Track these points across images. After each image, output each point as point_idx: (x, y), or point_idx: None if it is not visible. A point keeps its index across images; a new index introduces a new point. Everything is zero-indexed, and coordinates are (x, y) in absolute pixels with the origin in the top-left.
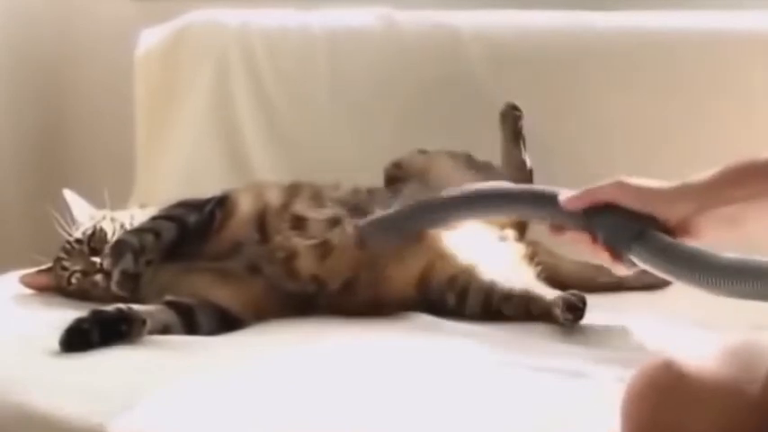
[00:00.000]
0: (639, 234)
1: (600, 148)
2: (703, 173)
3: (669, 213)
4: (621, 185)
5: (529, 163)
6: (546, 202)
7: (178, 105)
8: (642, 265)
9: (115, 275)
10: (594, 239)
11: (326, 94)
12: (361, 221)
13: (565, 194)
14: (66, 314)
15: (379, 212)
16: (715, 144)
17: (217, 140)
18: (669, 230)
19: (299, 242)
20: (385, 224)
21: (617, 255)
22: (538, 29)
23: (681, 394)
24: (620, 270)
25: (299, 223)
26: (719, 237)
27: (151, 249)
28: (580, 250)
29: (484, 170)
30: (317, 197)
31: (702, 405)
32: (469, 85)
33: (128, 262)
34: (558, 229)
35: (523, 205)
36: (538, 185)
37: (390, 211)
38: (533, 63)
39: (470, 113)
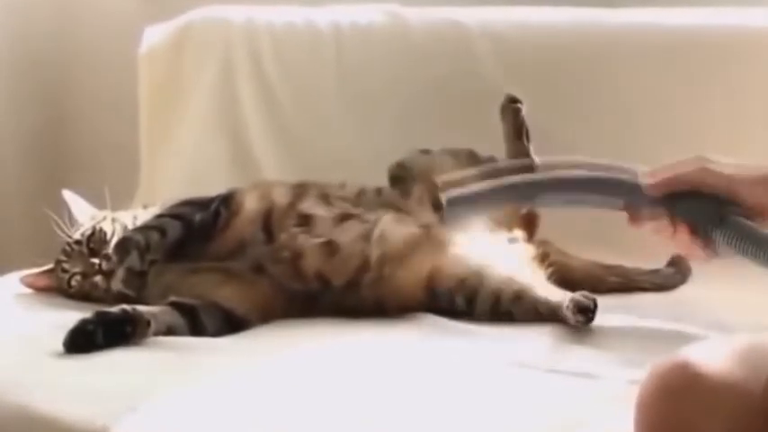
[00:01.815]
0: (724, 218)
1: (608, 144)
2: None
3: (751, 197)
4: (705, 170)
5: (535, 158)
6: (628, 189)
7: (183, 103)
8: (726, 250)
9: (120, 273)
10: (676, 226)
11: (333, 91)
12: (448, 195)
13: (644, 178)
14: (69, 315)
15: (466, 187)
16: (722, 141)
17: (222, 138)
18: (748, 214)
19: (305, 241)
20: (473, 200)
21: (700, 240)
22: (545, 25)
23: (693, 396)
24: (699, 257)
25: (304, 222)
26: None
27: (156, 247)
28: (660, 240)
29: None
30: (323, 196)
31: (715, 406)
32: (477, 81)
33: (133, 260)
34: (637, 219)
35: (606, 194)
36: (616, 168)
37: (479, 187)
38: (541, 59)
39: (478, 110)
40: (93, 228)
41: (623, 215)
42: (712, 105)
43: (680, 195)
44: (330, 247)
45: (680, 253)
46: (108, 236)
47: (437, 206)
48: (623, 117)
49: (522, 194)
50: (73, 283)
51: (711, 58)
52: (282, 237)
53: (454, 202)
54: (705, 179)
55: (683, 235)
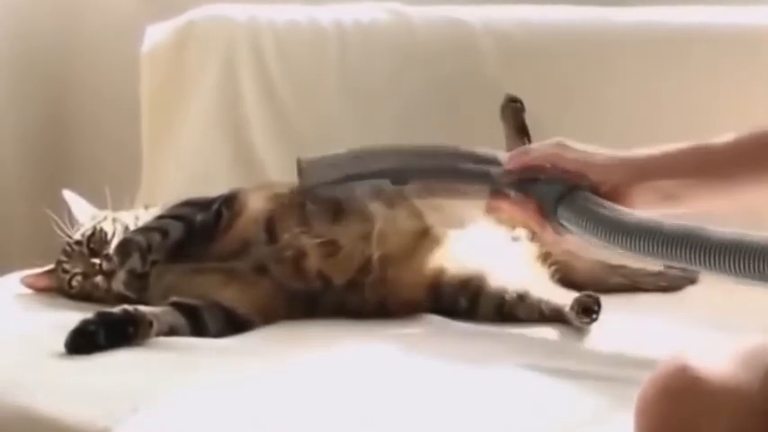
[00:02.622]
0: (567, 192)
1: (612, 143)
2: (650, 148)
3: (603, 178)
4: (559, 146)
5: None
6: (488, 163)
7: (185, 103)
8: (567, 225)
9: (122, 275)
10: (528, 204)
11: (336, 90)
12: (305, 157)
13: (503, 162)
14: (70, 315)
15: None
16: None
17: (224, 137)
18: (601, 194)
19: (308, 241)
20: (327, 163)
21: (547, 218)
22: (549, 24)
23: (694, 397)
24: (549, 236)
25: (307, 222)
26: (653, 208)
27: (158, 249)
28: (513, 220)
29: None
30: (325, 196)
31: (716, 408)
32: (481, 80)
33: (135, 261)
34: (493, 207)
35: (464, 169)
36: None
37: (336, 153)
38: (545, 58)
39: (482, 109)
40: (94, 228)
41: None
42: (718, 103)
43: (532, 172)
44: (331, 246)
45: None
46: (109, 236)
47: (299, 170)
48: (627, 116)
49: (383, 160)
50: (74, 283)
51: (717, 56)
52: (285, 237)
53: (312, 164)
54: (557, 160)
55: (533, 214)
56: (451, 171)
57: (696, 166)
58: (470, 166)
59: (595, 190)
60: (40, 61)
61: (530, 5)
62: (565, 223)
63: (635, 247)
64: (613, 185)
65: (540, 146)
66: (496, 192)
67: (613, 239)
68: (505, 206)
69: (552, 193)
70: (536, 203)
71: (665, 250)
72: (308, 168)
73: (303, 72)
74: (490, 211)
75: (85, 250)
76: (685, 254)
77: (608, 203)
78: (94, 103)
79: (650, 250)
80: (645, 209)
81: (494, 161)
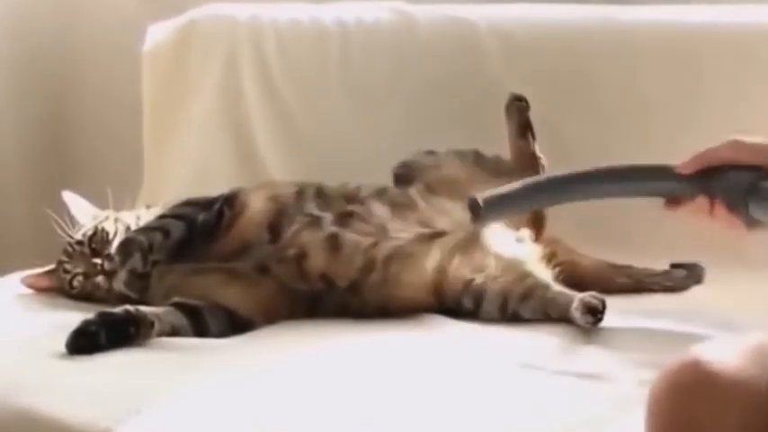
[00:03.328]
0: (755, 185)
1: (616, 142)
2: None
3: None
4: (736, 144)
5: (540, 155)
6: (660, 174)
7: (186, 102)
8: (764, 218)
9: (123, 275)
10: (713, 205)
11: (338, 89)
12: (480, 196)
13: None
14: (71, 316)
15: (494, 188)
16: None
17: (226, 136)
18: None
19: (310, 240)
20: (504, 200)
21: (739, 213)
22: (552, 22)
23: (705, 394)
24: (741, 231)
25: (309, 222)
26: None
27: (159, 248)
28: (699, 222)
29: (493, 166)
30: (327, 196)
31: (726, 405)
32: (484, 79)
33: (136, 261)
34: (673, 202)
35: (639, 181)
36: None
37: (509, 187)
38: (548, 57)
39: (486, 107)
40: (96, 228)
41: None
42: (725, 102)
43: (714, 172)
44: (333, 244)
45: (722, 228)
46: (110, 236)
47: (474, 209)
48: (632, 115)
49: (557, 190)
50: (75, 283)
51: (722, 55)
52: (287, 236)
53: (491, 202)
54: (737, 153)
55: (721, 211)
56: (629, 187)
57: None
58: (646, 179)
59: None
60: (41, 60)
61: (533, 4)
62: (759, 216)
63: None
64: None
65: (716, 146)
66: (666, 190)
67: None
68: (687, 211)
69: (740, 187)
70: (724, 201)
71: None
72: (485, 207)
73: (305, 71)
74: (669, 205)
75: (87, 250)
76: None
77: None
78: (96, 102)
79: None
80: None
81: (668, 170)
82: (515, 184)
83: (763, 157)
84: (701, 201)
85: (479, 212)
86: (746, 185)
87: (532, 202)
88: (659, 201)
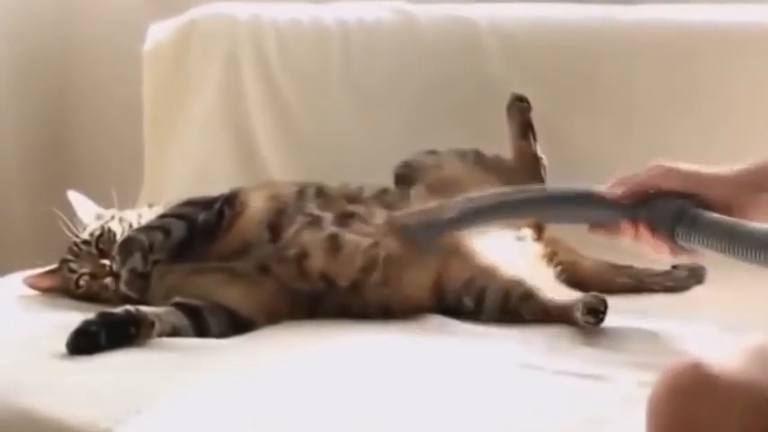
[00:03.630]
0: (682, 212)
1: (615, 142)
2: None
3: (717, 193)
4: (667, 171)
5: (542, 155)
6: (585, 199)
7: (187, 101)
8: (688, 246)
9: (124, 275)
10: (637, 229)
11: (339, 89)
12: (402, 217)
13: (609, 189)
14: (72, 316)
15: (414, 209)
16: (737, 137)
17: (227, 136)
18: (716, 211)
19: (310, 240)
20: (428, 223)
21: (663, 239)
22: (554, 22)
23: (706, 396)
24: (666, 258)
25: (310, 222)
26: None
27: (160, 248)
28: (623, 246)
29: (494, 165)
30: (328, 196)
31: (727, 406)
32: (485, 79)
33: (136, 261)
34: (597, 226)
35: (565, 205)
36: (574, 186)
37: (439, 210)
38: (550, 57)
39: (486, 108)
40: (102, 228)
41: None
42: (727, 102)
43: (640, 197)
44: (334, 244)
45: (648, 256)
46: (117, 236)
47: (398, 229)
48: (633, 115)
49: (484, 215)
50: (81, 283)
51: (725, 55)
52: (287, 236)
53: (414, 228)
54: (665, 179)
55: (646, 236)
56: (556, 210)
57: None
58: (571, 205)
59: (709, 207)
60: (41, 59)
61: (535, 4)
62: (684, 243)
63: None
64: (727, 201)
65: (643, 171)
66: (602, 223)
67: (748, 253)
68: (612, 235)
69: (666, 214)
70: (649, 228)
71: None
72: (410, 228)
73: (306, 71)
74: (594, 230)
75: (94, 251)
76: None
77: (731, 218)
78: (96, 101)
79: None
80: (762, 222)
81: (592, 195)
82: (446, 205)
83: (693, 185)
84: (626, 226)
85: (404, 233)
86: (673, 213)
87: (463, 225)
88: None
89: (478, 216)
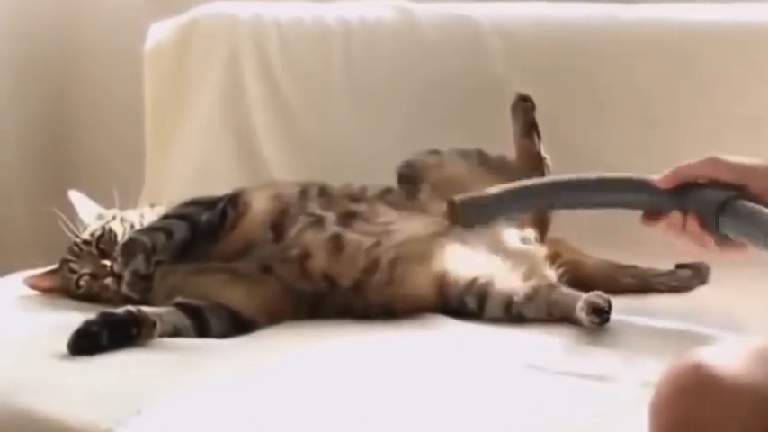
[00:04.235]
0: (726, 202)
1: (620, 141)
2: None
3: (761, 187)
4: (714, 161)
5: (546, 155)
6: (637, 186)
7: (188, 101)
8: (733, 236)
9: (126, 276)
10: (685, 221)
11: (341, 88)
12: (459, 198)
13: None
14: (73, 316)
15: (474, 192)
16: (739, 136)
17: (228, 135)
18: (764, 204)
19: (313, 240)
20: (483, 205)
21: (710, 230)
22: (556, 21)
23: (708, 396)
24: (712, 249)
25: (313, 222)
26: None
27: (163, 249)
28: (672, 240)
29: (497, 165)
30: (330, 196)
31: (730, 407)
32: (488, 78)
33: (139, 263)
34: (650, 217)
35: (617, 192)
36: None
37: (490, 191)
38: (552, 56)
39: (489, 107)
40: (103, 228)
41: (637, 214)
42: (729, 101)
43: (690, 188)
44: (336, 244)
45: (694, 247)
46: (119, 237)
47: (452, 212)
48: (636, 114)
49: (536, 197)
50: (81, 283)
51: (726, 54)
52: (290, 236)
53: (469, 206)
54: (715, 170)
55: (693, 227)
56: (606, 197)
57: None
58: (622, 190)
59: (756, 200)
60: (42, 59)
61: (537, 3)
62: (729, 233)
63: None
64: None
65: (694, 161)
66: (651, 212)
67: None
68: (662, 225)
69: (711, 203)
70: (696, 218)
71: None
72: (465, 210)
73: (308, 70)
74: (647, 220)
75: (95, 251)
76: None
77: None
78: (97, 101)
79: None
80: None
81: (645, 183)
82: (496, 188)
83: (740, 176)
84: (675, 216)
85: (457, 216)
86: (719, 203)
87: (512, 208)
88: None
89: (533, 199)
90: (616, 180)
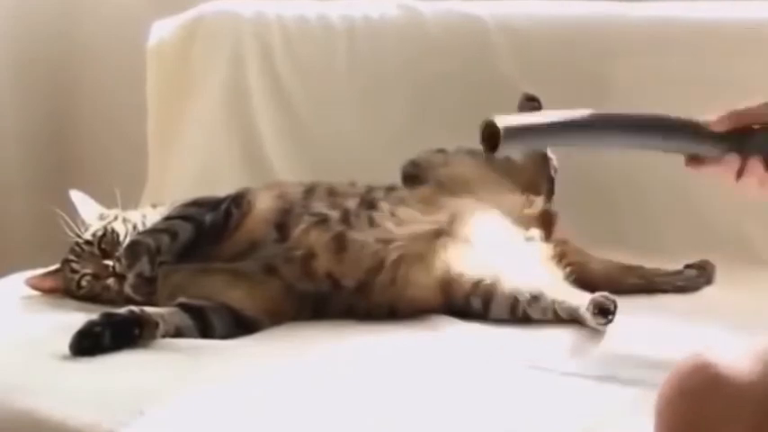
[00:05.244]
0: None
1: None
2: None
3: None
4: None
5: (552, 156)
6: (691, 128)
7: (191, 99)
8: None
9: (131, 279)
10: (744, 165)
11: (345, 86)
12: (499, 121)
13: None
14: (75, 317)
15: (512, 115)
16: None
17: (232, 134)
18: None
19: (317, 240)
20: (525, 131)
21: None
22: (561, 19)
23: (714, 397)
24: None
25: (317, 221)
26: None
27: (167, 251)
28: (724, 183)
29: (504, 165)
30: (335, 195)
31: (736, 407)
32: (492, 75)
33: (144, 265)
34: (696, 161)
35: (668, 133)
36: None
37: (532, 118)
38: (556, 53)
39: (494, 104)
40: (105, 228)
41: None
42: (739, 98)
43: (749, 131)
44: (340, 244)
45: (753, 189)
46: (121, 237)
47: (491, 135)
48: (640, 110)
49: (581, 130)
50: (83, 283)
51: (730, 52)
52: (294, 235)
53: (512, 130)
54: None
55: (757, 170)
56: (656, 135)
57: None
58: (676, 133)
59: None
60: (44, 57)
61: (542, 0)
62: None
63: None
64: None
65: (753, 104)
66: (695, 146)
67: None
68: (714, 170)
69: None
70: (762, 159)
71: None
72: (505, 135)
73: (311, 68)
74: (693, 164)
75: (97, 251)
76: None
77: None
78: (100, 99)
79: None
80: None
81: (700, 126)
82: (538, 116)
83: None
84: (731, 160)
85: (497, 140)
86: None
87: (555, 138)
88: (674, 198)
89: (576, 130)
90: (670, 121)
